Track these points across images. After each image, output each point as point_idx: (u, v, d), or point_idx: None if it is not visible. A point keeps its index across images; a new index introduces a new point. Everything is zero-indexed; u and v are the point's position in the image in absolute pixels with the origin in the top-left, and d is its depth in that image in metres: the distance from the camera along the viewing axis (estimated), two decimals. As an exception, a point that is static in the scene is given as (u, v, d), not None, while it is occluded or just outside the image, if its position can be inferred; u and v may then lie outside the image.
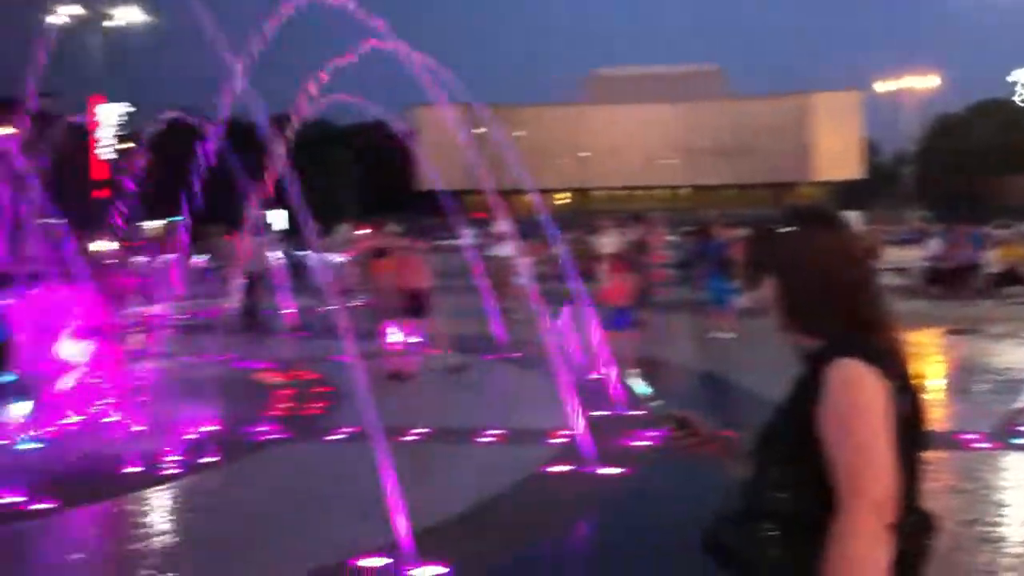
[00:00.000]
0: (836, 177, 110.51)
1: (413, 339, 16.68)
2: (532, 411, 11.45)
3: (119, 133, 61.03)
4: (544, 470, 8.92)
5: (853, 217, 34.50)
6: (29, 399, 10.73)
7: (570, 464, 8.91)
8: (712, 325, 17.41)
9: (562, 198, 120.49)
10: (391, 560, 6.44)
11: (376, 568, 6.46)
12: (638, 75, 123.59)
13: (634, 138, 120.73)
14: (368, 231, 26.45)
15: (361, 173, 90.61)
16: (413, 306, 14.55)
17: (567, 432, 9.56)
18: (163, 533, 7.62)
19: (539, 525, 7.57)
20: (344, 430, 10.72)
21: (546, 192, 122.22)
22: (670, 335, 17.28)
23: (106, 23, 55.02)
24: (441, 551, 6.56)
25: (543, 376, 10.87)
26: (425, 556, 6.37)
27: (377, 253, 22.21)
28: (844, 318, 2.55)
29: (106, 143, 58.62)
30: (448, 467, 9.34)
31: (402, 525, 6.37)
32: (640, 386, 2.86)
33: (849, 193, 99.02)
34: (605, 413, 10.47)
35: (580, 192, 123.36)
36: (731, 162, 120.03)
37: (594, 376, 12.01)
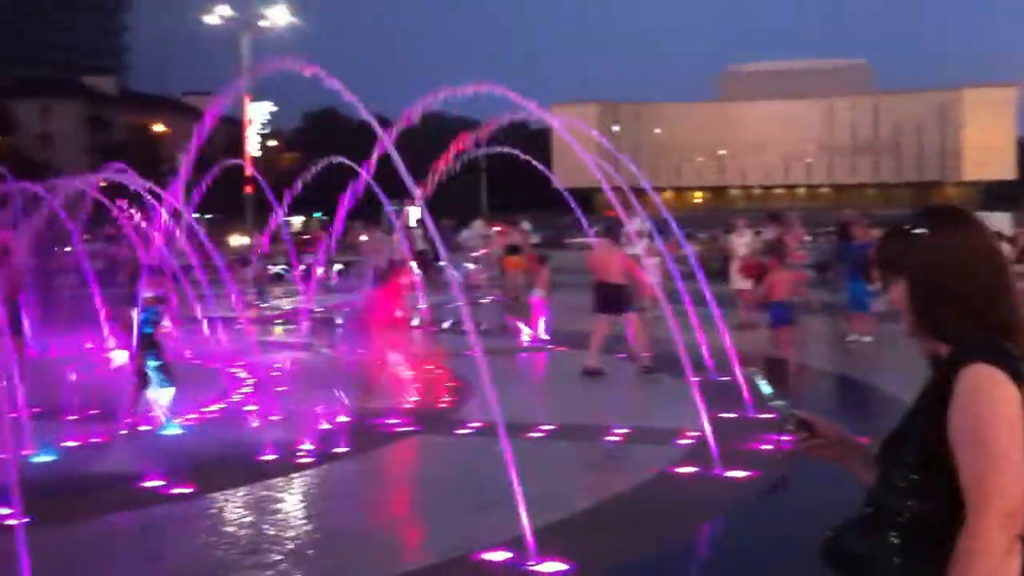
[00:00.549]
0: (986, 177, 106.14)
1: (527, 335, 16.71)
2: (660, 411, 11.35)
3: (264, 132, 63.02)
4: (670, 471, 8.83)
5: (1003, 218, 33.02)
6: (172, 385, 11.16)
7: (696, 466, 8.80)
8: (850, 328, 16.95)
9: (698, 196, 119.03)
10: (513, 554, 6.47)
11: (498, 562, 6.51)
12: (777, 70, 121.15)
13: (772, 135, 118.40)
14: (501, 228, 26.69)
15: (499, 170, 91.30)
16: (609, 301, 14.16)
17: (694, 433, 9.45)
18: (294, 520, 7.84)
19: (662, 526, 7.50)
20: (472, 424, 10.82)
21: (682, 190, 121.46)
22: (806, 338, 16.90)
23: (257, 24, 56.79)
24: (563, 548, 6.56)
25: (672, 376, 10.76)
26: (546, 552, 6.38)
27: (510, 250, 22.40)
28: (976, 322, 2.45)
29: (254, 141, 60.60)
30: (573, 464, 9.35)
31: (525, 520, 6.40)
32: (763, 386, 2.79)
33: (1000, 194, 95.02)
34: (734, 415, 10.30)
35: (716, 190, 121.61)
36: (873, 160, 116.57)
37: (724, 377, 11.83)
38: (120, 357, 12.38)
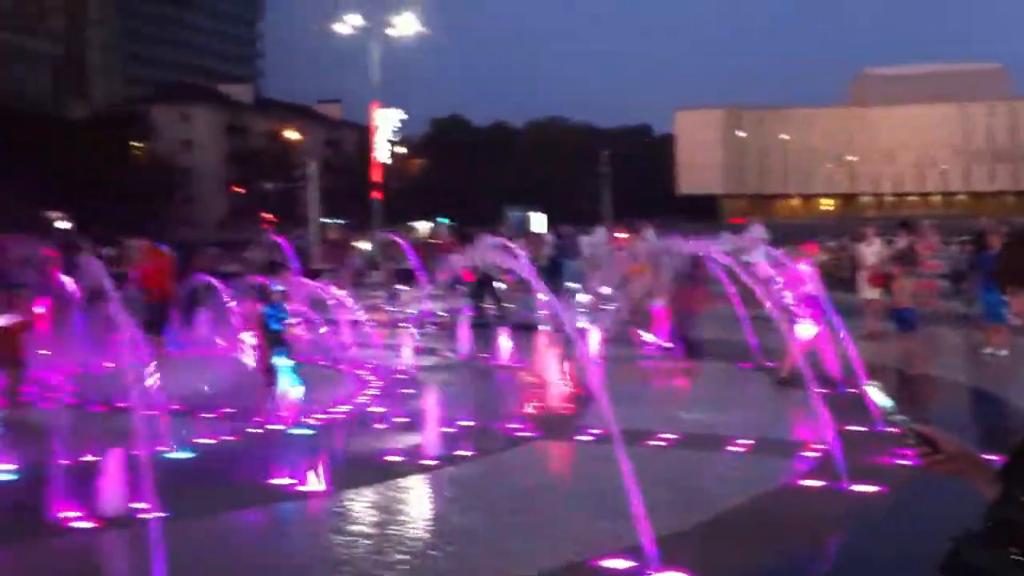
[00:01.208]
0: None
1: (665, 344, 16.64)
2: (784, 422, 11.18)
3: (394, 139, 64.18)
4: (793, 483, 8.70)
5: None
6: (301, 384, 11.49)
7: (821, 479, 8.65)
8: (986, 340, 16.38)
9: (828, 204, 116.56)
10: (633, 563, 6.47)
11: (618, 570, 6.52)
12: (911, 74, 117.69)
13: (906, 141, 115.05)
14: (625, 234, 26.61)
15: (621, 176, 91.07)
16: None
17: (820, 446, 9.28)
18: (417, 521, 8.00)
19: (785, 540, 7.40)
20: (593, 431, 10.83)
21: (811, 197, 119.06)
22: (938, 349, 16.40)
23: (386, 32, 57.91)
24: (683, 558, 6.54)
25: (797, 387, 10.59)
26: (667, 562, 6.37)
27: (632, 256, 22.29)
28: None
29: (383, 147, 61.76)
30: (694, 474, 9.28)
31: (645, 529, 6.39)
32: (882, 399, 2.71)
33: None
34: (863, 428, 10.07)
35: (847, 197, 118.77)
36: (1013, 167, 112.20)
37: (851, 389, 11.58)
38: (250, 355, 12.81)
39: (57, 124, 76.66)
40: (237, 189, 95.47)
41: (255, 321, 11.99)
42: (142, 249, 19.14)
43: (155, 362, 10.72)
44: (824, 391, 9.57)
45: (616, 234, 28.12)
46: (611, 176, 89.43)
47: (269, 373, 11.60)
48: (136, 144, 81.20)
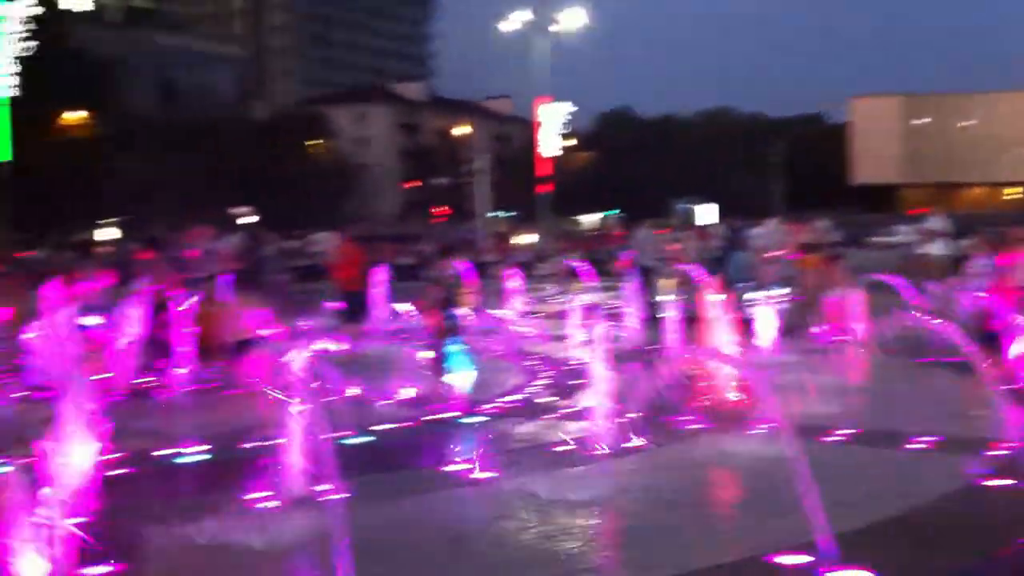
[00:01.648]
0: None
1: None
2: (969, 418, 10.71)
3: (562, 132, 64.51)
4: (979, 483, 8.34)
5: None
6: (473, 370, 11.71)
7: (1010, 478, 8.27)
8: None
9: (1012, 192, 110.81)
10: (810, 559, 6.35)
11: (793, 566, 6.40)
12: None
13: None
14: (797, 227, 26.00)
15: (793, 166, 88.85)
16: None
17: (1010, 444, 8.86)
18: (588, 511, 8.04)
19: (969, 541, 7.10)
20: (766, 424, 10.66)
21: (995, 186, 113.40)
22: None
23: (552, 27, 58.28)
24: (863, 556, 6.36)
25: (982, 382, 10.15)
26: (846, 559, 6.22)
27: (806, 248, 21.80)
28: None
29: (550, 141, 62.17)
30: (873, 471, 9.01)
31: (822, 525, 6.26)
32: None
33: None
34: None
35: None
36: None
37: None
38: (436, 342, 13.03)
39: (241, 125, 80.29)
40: (410, 185, 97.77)
41: (434, 308, 12.24)
42: (335, 243, 19.96)
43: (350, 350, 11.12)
44: (1014, 387, 9.12)
45: (788, 226, 27.48)
46: (782, 166, 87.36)
47: (443, 360, 11.86)
48: (314, 143, 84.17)
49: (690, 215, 60.83)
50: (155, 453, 9.85)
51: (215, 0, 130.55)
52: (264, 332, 11.97)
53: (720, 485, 9.03)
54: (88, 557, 6.07)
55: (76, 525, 6.07)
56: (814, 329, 17.26)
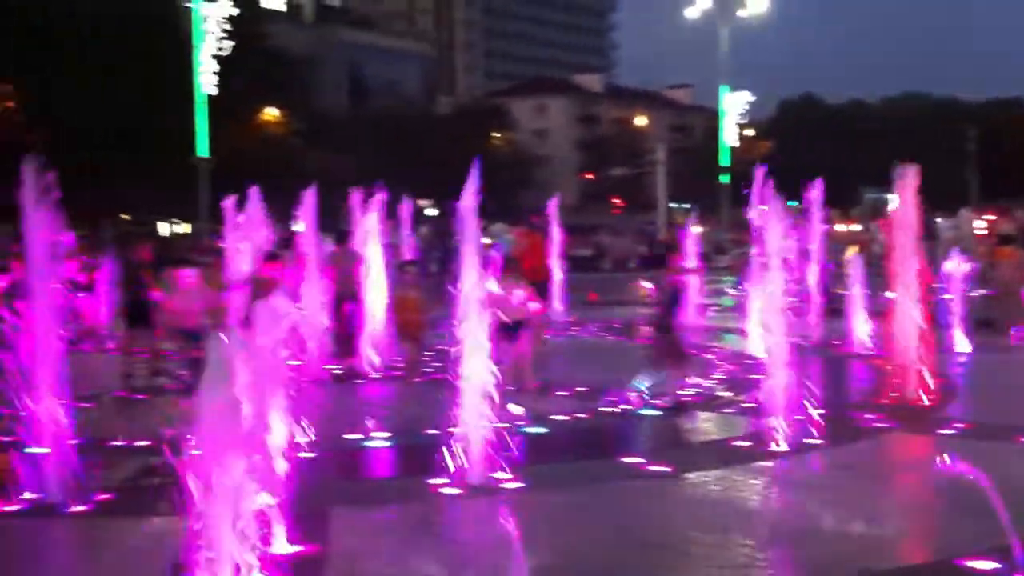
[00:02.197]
0: None
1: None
2: None
3: (741, 121, 63.34)
4: None
5: None
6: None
7: None
8: None
9: None
10: (1001, 565, 6.10)
11: (985, 570, 6.16)
12: None
13: None
14: (993, 217, 24.78)
15: (989, 153, 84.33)
16: None
17: None
18: (763, 507, 7.94)
19: None
20: (955, 425, 10.28)
21: None
22: None
23: (736, 14, 57.31)
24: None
25: None
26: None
27: (1001, 239, 20.77)
28: None
29: (731, 130, 61.15)
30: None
31: (1014, 529, 6.00)
32: None
33: None
34: None
35: None
36: None
37: None
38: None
39: (427, 119, 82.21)
40: (588, 176, 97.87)
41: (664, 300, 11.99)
42: (518, 234, 20.24)
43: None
44: None
45: (984, 216, 26.22)
46: (976, 153, 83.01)
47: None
48: (496, 135, 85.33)
49: (879, 205, 58.66)
50: (347, 436, 10.26)
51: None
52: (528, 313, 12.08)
53: (902, 486, 8.75)
54: (281, 538, 6.40)
55: (271, 507, 6.41)
56: (1010, 325, 16.48)
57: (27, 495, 7.70)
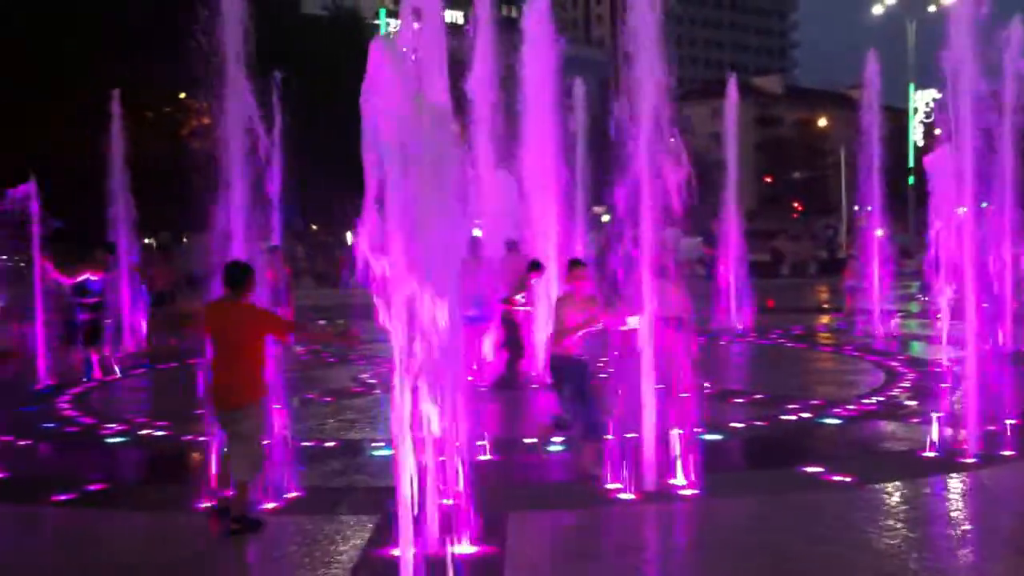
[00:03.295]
0: None
1: None
2: None
3: (927, 120, 60.91)
4: None
5: None
6: None
7: None
8: None
9: None
10: None
11: None
12: None
13: None
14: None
15: None
16: None
17: None
18: (950, 520, 7.64)
19: None
20: None
21: None
22: None
23: (925, 9, 55.16)
24: None
25: None
26: None
27: None
28: None
29: (916, 130, 58.89)
30: None
31: None
32: None
33: None
34: None
35: None
36: None
37: None
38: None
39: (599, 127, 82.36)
40: (766, 179, 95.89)
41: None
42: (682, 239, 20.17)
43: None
44: None
45: None
46: None
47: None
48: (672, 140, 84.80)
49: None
50: (524, 440, 10.42)
51: (575, 5, 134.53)
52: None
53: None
54: (459, 537, 6.60)
55: (449, 507, 6.63)
56: None
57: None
